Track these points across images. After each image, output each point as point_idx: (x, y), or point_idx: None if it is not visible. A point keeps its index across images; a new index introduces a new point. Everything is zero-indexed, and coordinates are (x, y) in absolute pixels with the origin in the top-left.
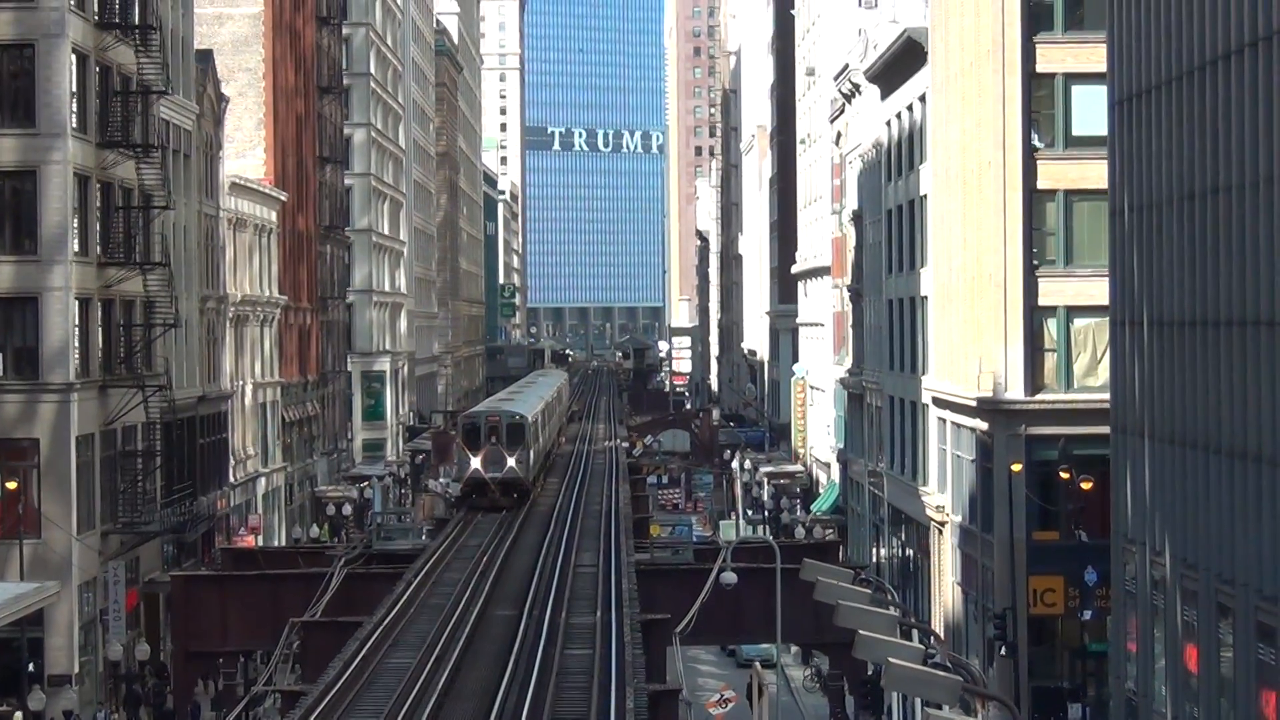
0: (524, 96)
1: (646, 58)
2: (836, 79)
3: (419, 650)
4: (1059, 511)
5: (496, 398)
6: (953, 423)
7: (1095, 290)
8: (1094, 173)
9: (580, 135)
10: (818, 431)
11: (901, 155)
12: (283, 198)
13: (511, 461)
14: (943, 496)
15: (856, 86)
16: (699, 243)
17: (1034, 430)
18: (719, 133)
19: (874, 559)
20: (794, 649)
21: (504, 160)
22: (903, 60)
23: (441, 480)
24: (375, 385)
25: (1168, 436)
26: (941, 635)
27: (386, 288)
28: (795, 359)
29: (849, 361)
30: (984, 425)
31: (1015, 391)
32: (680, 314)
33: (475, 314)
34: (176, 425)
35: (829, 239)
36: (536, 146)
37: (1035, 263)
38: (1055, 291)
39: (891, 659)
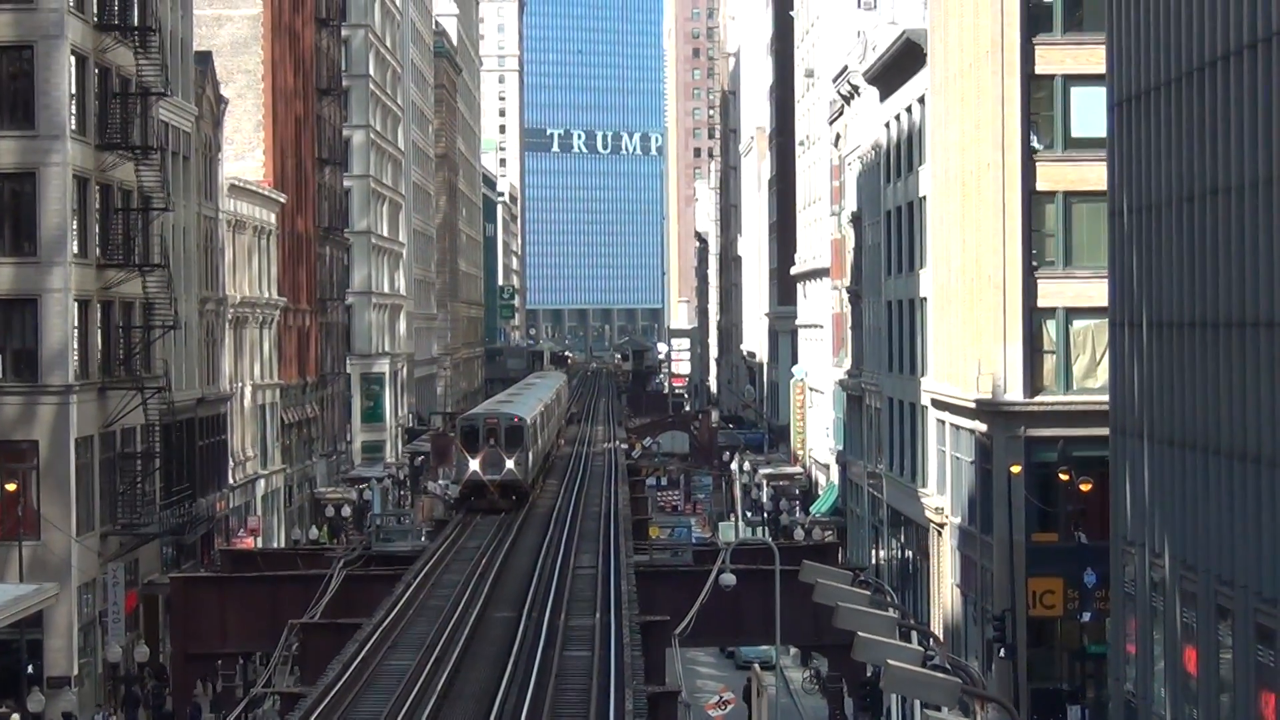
0: (523, 98)
1: (645, 59)
2: (835, 80)
3: (418, 652)
4: (1058, 513)
5: (495, 400)
6: (952, 424)
7: (1094, 292)
8: (1093, 174)
9: (579, 137)
10: (817, 433)
11: (900, 157)
12: (282, 199)
13: (510, 464)
14: (942, 498)
15: (855, 88)
16: (698, 244)
17: (1033, 432)
18: (718, 134)
19: (873, 561)
20: (793, 651)
21: (503, 162)
22: (902, 62)
23: (440, 482)
24: (374, 387)
25: (1167, 438)
26: (940, 637)
27: (386, 289)
28: (794, 360)
29: (848, 363)
30: (983, 427)
31: (1014, 393)
32: (679, 316)
33: (474, 316)
34: (176, 427)
35: (828, 240)
36: (535, 148)
37: (1034, 264)
38: (1054, 293)
39: (891, 661)
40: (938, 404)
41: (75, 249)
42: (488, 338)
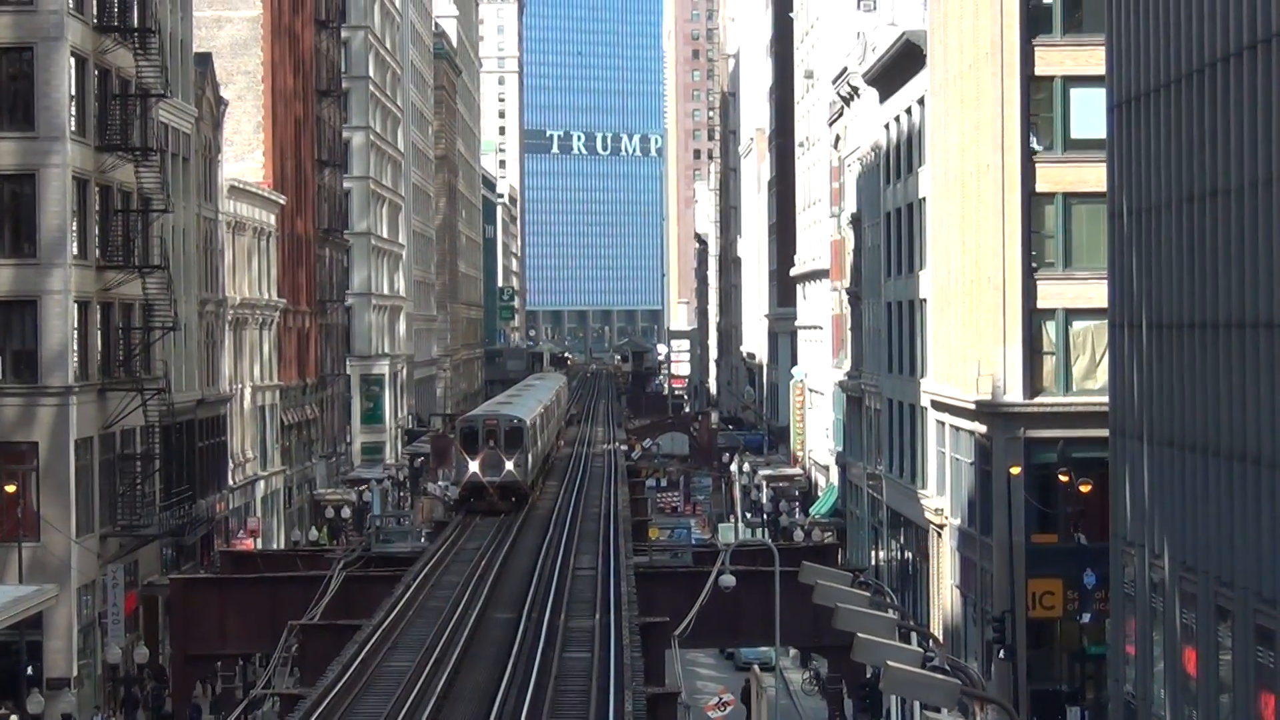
0: (522, 100)
1: (645, 61)
2: (835, 82)
3: (418, 653)
4: (1058, 514)
5: (495, 401)
6: (951, 426)
7: (1094, 293)
8: (1093, 175)
9: (579, 138)
10: (816, 434)
11: (900, 158)
12: (281, 201)
13: (510, 465)
14: (941, 499)
15: (855, 89)
16: (698, 246)
17: (1033, 433)
18: (718, 135)
19: (873, 562)
20: (793, 652)
21: (503, 163)
22: (901, 63)
23: (440, 483)
24: (374, 388)
25: (1166, 439)
26: (940, 638)
27: (385, 291)
28: (794, 362)
29: (848, 364)
30: (983, 428)
31: (1014, 394)
32: (679, 317)
33: (474, 317)
34: (175, 428)
35: (828, 242)
36: (535, 150)
37: (1034, 265)
38: (1054, 294)
39: (890, 662)
40: (937, 405)
41: (75, 250)
42: (487, 339)
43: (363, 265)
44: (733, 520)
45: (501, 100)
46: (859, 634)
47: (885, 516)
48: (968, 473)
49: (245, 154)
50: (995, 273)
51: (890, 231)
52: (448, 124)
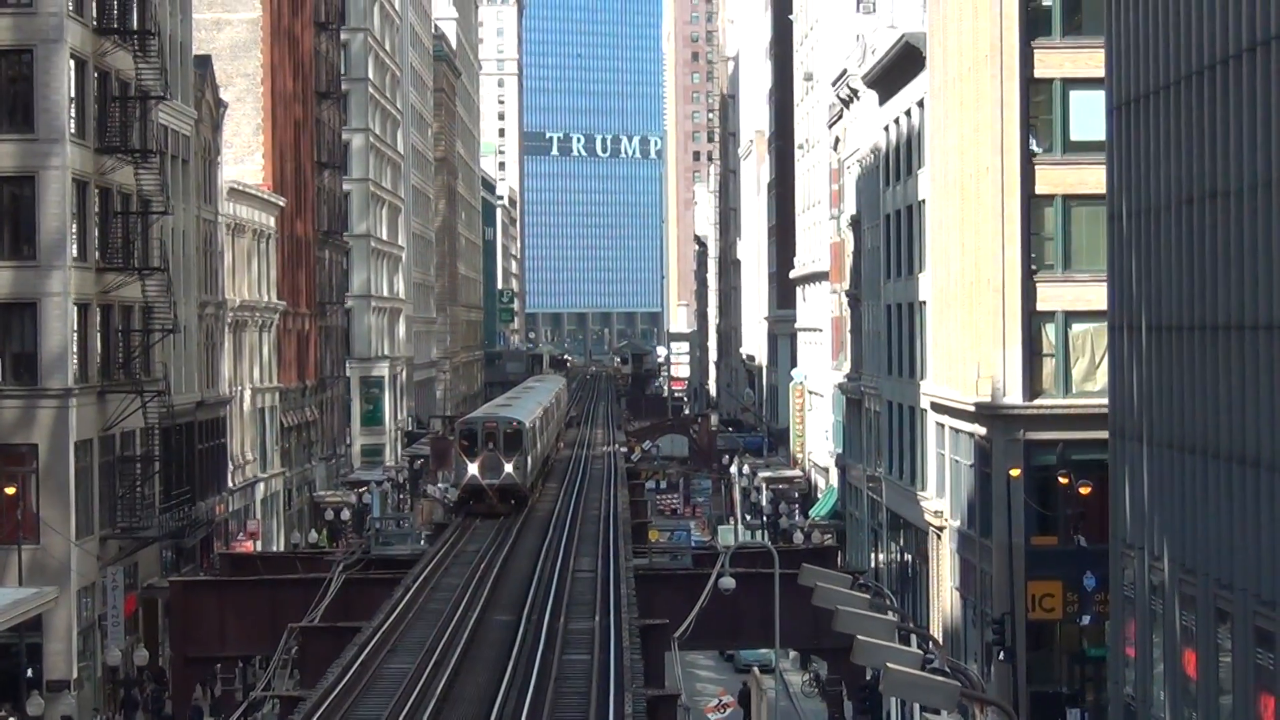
0: (522, 102)
1: (645, 63)
2: (835, 84)
3: (417, 655)
4: (1057, 516)
5: (494, 403)
6: (951, 428)
7: (1093, 295)
8: (1092, 177)
9: (578, 140)
10: (816, 436)
11: (899, 160)
12: (281, 203)
13: (509, 468)
14: (941, 501)
15: (855, 91)
16: (697, 248)
17: (1032, 435)
18: (717, 138)
19: (872, 564)
20: (792, 654)
21: (502, 165)
22: (901, 65)
23: (440, 485)
24: (374, 390)
25: (1166, 441)
26: (940, 640)
27: (385, 293)
28: (794, 364)
29: (847, 366)
30: (982, 430)
31: (1013, 396)
32: (678, 319)
33: (474, 319)
34: (175, 430)
35: (827, 244)
36: (535, 152)
37: (1033, 268)
38: (1053, 296)
39: (890, 664)
40: (937, 407)
41: (75, 252)
42: (487, 341)
43: (362, 267)
44: (732, 522)
45: (501, 102)
46: (859, 636)
47: (885, 519)
48: (967, 475)
49: (245, 156)
50: (995, 275)
51: (890, 233)
52: (447, 126)
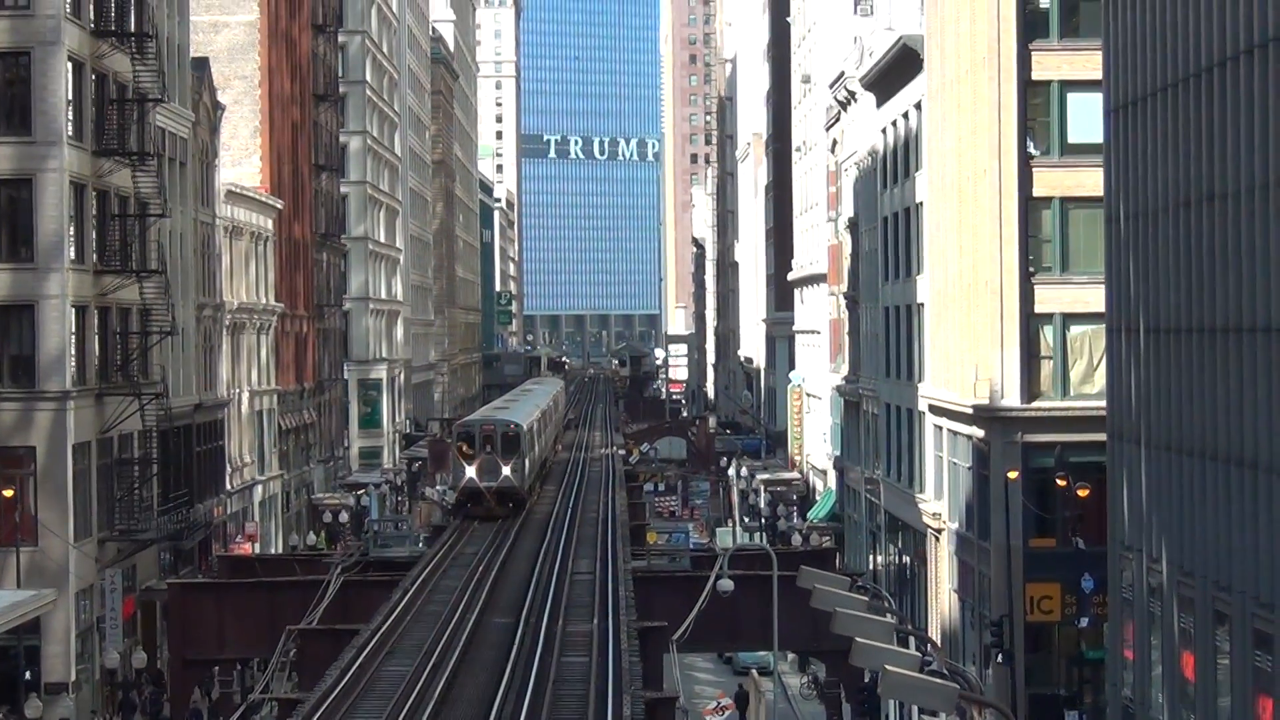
0: (520, 104)
1: (642, 65)
2: (832, 86)
3: (416, 658)
4: (1056, 519)
5: (492, 406)
6: (949, 430)
7: (1091, 297)
8: (1090, 180)
9: (576, 143)
10: (814, 439)
11: (897, 162)
12: (279, 205)
13: (507, 470)
14: (939, 504)
15: (852, 94)
16: (695, 250)
17: (1030, 437)
18: (715, 140)
19: (871, 566)
20: (791, 656)
21: (500, 168)
22: (898, 67)
23: (438, 488)
24: (372, 393)
25: (1164, 443)
26: (938, 642)
27: (383, 295)
28: (792, 366)
29: (845, 369)
30: (980, 432)
31: (1011, 399)
32: (676, 321)
33: (471, 321)
34: (173, 433)
35: (825, 246)
36: (532, 154)
37: (1031, 270)
38: (1051, 299)
39: (888, 666)
40: (935, 410)
41: (72, 255)
42: (485, 343)
43: (360, 270)
44: (731, 524)
45: (499, 105)
46: (857, 638)
47: (883, 521)
48: (965, 477)
49: (242, 158)
50: (992, 277)
51: (887, 236)
52: (445, 128)
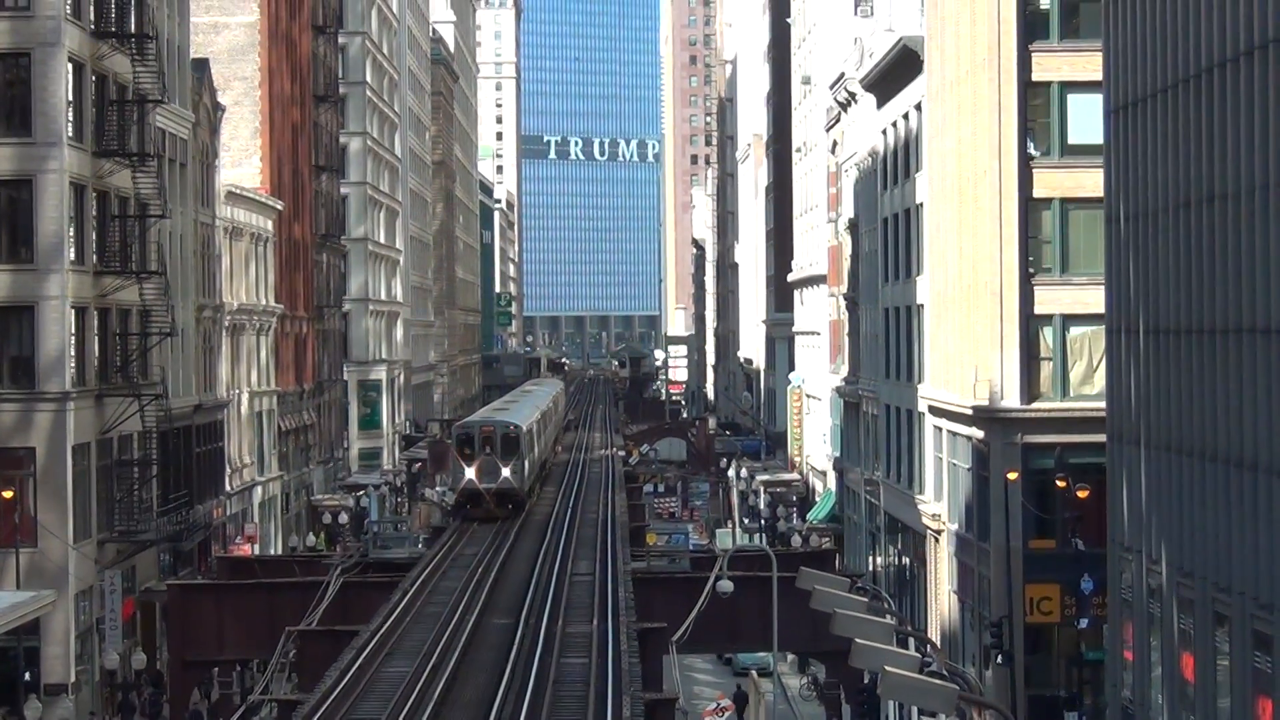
0: (520, 105)
1: (642, 66)
2: (832, 87)
3: (415, 659)
4: (1055, 520)
5: (491, 407)
6: (949, 431)
7: (1091, 298)
8: (1090, 181)
9: (576, 144)
10: (814, 440)
11: (897, 164)
12: (279, 206)
13: (506, 472)
14: (939, 505)
15: (852, 95)
16: (695, 251)
17: (1030, 438)
18: (715, 141)
19: (870, 567)
20: (790, 657)
21: (500, 169)
22: (898, 69)
23: (438, 489)
24: (371, 394)
25: (1164, 444)
26: (938, 643)
27: (383, 296)
28: (791, 367)
29: (845, 370)
30: (980, 434)
31: (1011, 400)
32: (676, 322)
33: (471, 322)
34: (173, 434)
35: (825, 247)
36: (532, 155)
37: (1031, 271)
38: (1051, 300)
39: (888, 667)
40: (935, 411)
41: (72, 256)
42: (485, 344)
43: (360, 270)
44: (730, 526)
45: (499, 105)
46: (857, 639)
47: (883, 522)
48: (965, 478)
49: (242, 159)
50: (992, 278)
51: (887, 237)
52: (445, 129)
